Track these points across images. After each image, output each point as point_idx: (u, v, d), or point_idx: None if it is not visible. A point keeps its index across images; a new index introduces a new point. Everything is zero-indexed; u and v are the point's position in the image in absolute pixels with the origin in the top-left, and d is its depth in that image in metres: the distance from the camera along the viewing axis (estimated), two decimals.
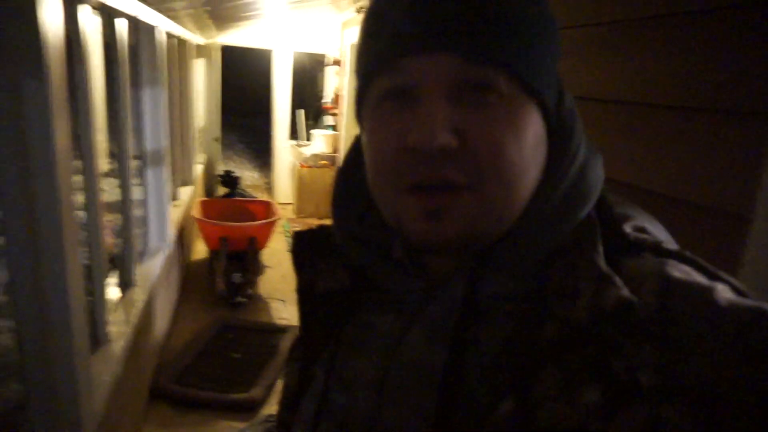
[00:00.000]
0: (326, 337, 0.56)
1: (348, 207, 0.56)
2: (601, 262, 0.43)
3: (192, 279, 4.70)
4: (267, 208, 5.04)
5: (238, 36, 6.75)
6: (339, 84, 6.29)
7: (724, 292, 0.40)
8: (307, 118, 7.70)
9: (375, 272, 0.54)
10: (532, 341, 0.42)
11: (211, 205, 5.09)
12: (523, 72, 0.43)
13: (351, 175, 0.56)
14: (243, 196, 5.86)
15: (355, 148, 0.57)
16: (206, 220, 4.37)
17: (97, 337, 2.10)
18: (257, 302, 4.30)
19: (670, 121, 1.02)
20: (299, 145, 6.99)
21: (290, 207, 7.00)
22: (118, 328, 2.24)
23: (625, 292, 0.40)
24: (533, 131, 0.45)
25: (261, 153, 11.34)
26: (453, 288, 0.47)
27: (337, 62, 6.41)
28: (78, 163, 1.92)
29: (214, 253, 4.37)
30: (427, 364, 0.46)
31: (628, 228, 0.46)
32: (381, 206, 0.49)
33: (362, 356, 0.52)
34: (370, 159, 0.48)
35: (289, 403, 0.59)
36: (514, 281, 0.46)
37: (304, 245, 0.61)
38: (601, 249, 0.44)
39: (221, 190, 6.35)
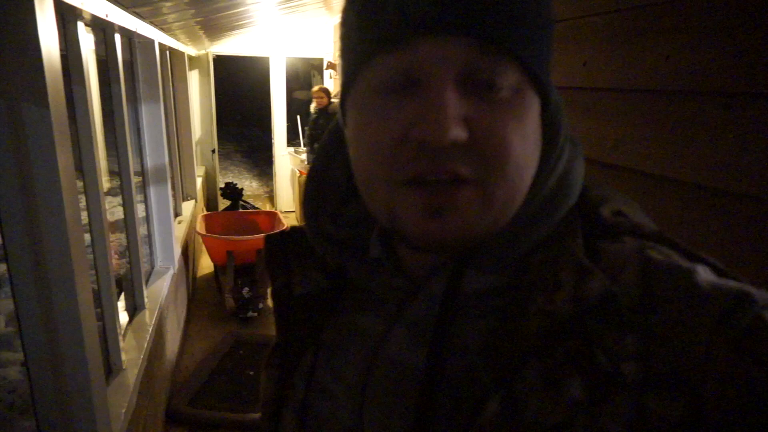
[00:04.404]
0: (305, 343, 0.53)
1: (320, 206, 0.53)
2: (581, 253, 0.41)
3: (199, 296, 4.61)
4: (272, 219, 4.96)
5: (230, 45, 6.67)
6: (336, 87, 6.21)
7: (705, 274, 0.38)
8: (304, 124, 7.60)
9: (353, 272, 0.52)
10: (515, 336, 0.40)
11: (214, 219, 5.00)
12: (533, 64, 0.40)
13: (324, 172, 0.54)
14: (246, 207, 5.76)
15: (329, 144, 0.54)
16: (211, 235, 4.28)
17: (110, 366, 2.00)
18: (268, 315, 4.19)
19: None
20: (297, 152, 6.89)
21: (293, 215, 6.91)
22: (131, 355, 2.14)
23: (606, 282, 0.39)
24: (534, 126, 0.42)
25: (259, 162, 11.26)
26: (434, 285, 0.46)
27: (332, 66, 6.34)
28: (80, 183, 1.83)
29: (220, 268, 4.27)
30: (410, 364, 0.45)
31: (605, 211, 0.45)
32: (370, 202, 0.45)
33: (344, 360, 0.50)
34: (362, 150, 0.43)
35: (270, 414, 0.56)
36: (496, 276, 0.45)
37: (276, 248, 0.59)
38: (580, 240, 0.43)
39: (222, 203, 6.25)
